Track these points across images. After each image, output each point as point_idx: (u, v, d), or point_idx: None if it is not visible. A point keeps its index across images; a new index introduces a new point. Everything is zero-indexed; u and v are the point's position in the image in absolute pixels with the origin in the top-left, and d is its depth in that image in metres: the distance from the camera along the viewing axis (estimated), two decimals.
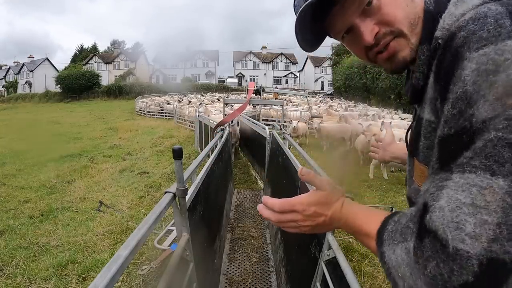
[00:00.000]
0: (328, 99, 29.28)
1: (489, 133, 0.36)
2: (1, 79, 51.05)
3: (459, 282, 0.35)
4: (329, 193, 0.59)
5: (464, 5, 0.47)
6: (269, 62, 50.72)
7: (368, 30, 0.55)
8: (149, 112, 19.59)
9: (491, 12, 0.41)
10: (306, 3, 0.55)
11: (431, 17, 0.52)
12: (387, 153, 1.01)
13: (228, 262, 2.78)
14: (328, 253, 1.11)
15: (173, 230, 2.95)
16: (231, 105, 12.36)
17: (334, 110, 14.83)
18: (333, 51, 41.88)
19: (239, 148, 8.29)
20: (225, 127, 5.22)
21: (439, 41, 0.48)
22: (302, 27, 0.59)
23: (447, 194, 0.38)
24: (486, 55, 0.38)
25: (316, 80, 50.08)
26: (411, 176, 0.63)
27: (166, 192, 1.10)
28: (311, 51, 0.67)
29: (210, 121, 7.14)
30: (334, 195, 0.59)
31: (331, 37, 0.64)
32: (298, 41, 0.62)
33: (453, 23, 0.47)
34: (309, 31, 0.61)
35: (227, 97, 18.92)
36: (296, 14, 0.58)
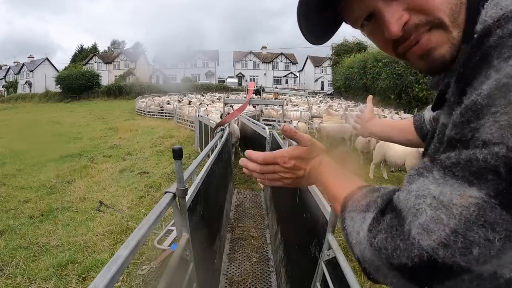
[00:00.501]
0: (328, 99, 29.30)
1: (483, 154, 0.31)
2: (1, 79, 51.06)
3: (398, 262, 0.34)
4: (309, 149, 0.60)
5: None
6: (269, 62, 50.71)
7: (395, 18, 0.42)
8: (149, 112, 19.59)
9: None
10: None
11: (475, 6, 0.39)
12: (365, 129, 1.01)
13: (228, 262, 2.78)
14: (328, 253, 1.11)
15: (173, 230, 2.95)
16: (230, 105, 12.36)
17: (334, 110, 14.84)
18: (333, 51, 41.86)
19: (239, 148, 8.29)
20: (225, 127, 5.22)
21: (482, 32, 0.36)
22: (307, 15, 0.48)
23: (421, 182, 0.36)
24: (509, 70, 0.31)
25: (316, 80, 50.07)
26: None
27: (166, 192, 1.10)
28: (319, 44, 0.54)
29: (210, 121, 7.14)
30: (314, 151, 0.61)
31: (347, 23, 0.51)
32: (302, 33, 0.51)
33: (497, 16, 0.36)
34: (316, 19, 0.49)
35: (227, 97, 18.93)
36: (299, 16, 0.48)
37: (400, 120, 1.10)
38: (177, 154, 1.08)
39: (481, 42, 0.35)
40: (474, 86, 0.34)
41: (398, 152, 5.45)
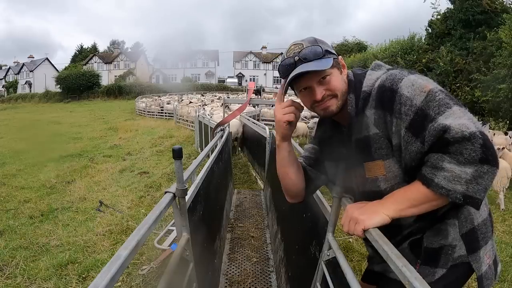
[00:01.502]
0: None
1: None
2: (1, 79, 51.04)
3: (478, 157, 0.70)
4: None
5: (375, 74, 0.93)
6: (269, 62, 50.66)
7: (320, 92, 0.93)
8: (149, 112, 19.58)
9: (394, 71, 0.89)
10: (290, 77, 0.92)
11: (353, 83, 0.97)
12: None
13: (228, 262, 2.78)
14: (328, 253, 1.11)
15: (173, 230, 2.95)
16: (227, 105, 12.34)
17: None
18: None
19: (239, 148, 8.29)
20: (225, 127, 5.21)
21: (366, 90, 0.92)
22: (286, 84, 0.97)
23: (450, 117, 0.75)
24: (407, 80, 0.83)
25: None
26: (362, 178, 0.97)
27: (166, 192, 1.10)
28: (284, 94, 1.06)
29: (210, 121, 7.14)
30: None
31: (292, 89, 1.02)
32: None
33: (372, 83, 0.91)
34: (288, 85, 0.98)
35: (228, 97, 18.92)
36: (279, 72, 1.00)
37: None
38: (177, 154, 1.08)
39: (384, 89, 0.86)
40: (397, 100, 0.83)
41: None
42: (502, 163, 4.96)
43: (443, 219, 0.90)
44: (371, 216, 0.82)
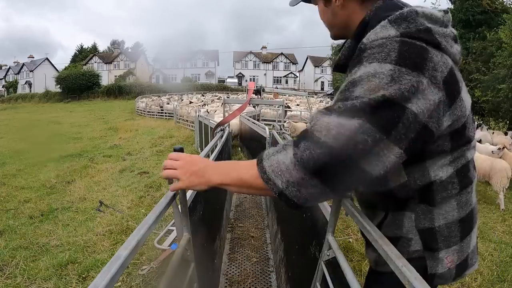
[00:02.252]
0: (328, 99, 29.27)
1: (357, 101, 0.63)
2: (1, 79, 51.05)
3: (318, 164, 0.61)
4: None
5: (385, 31, 0.70)
6: (269, 62, 50.69)
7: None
8: (149, 112, 19.58)
9: (391, 45, 0.67)
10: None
11: (362, 26, 0.79)
12: None
13: (228, 262, 2.78)
14: (328, 253, 1.11)
15: (173, 230, 2.94)
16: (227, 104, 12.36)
17: None
18: (333, 51, 41.85)
19: (239, 148, 8.29)
20: (225, 127, 5.22)
21: (362, 45, 0.72)
22: None
23: (326, 118, 0.64)
24: (371, 67, 0.66)
25: (316, 80, 50.05)
26: None
27: (166, 192, 1.10)
28: (294, 5, 0.96)
29: (210, 121, 7.14)
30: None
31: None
32: None
33: (373, 40, 0.70)
34: None
35: (228, 97, 18.93)
36: None
37: None
38: None
39: (361, 50, 0.71)
40: (353, 71, 0.69)
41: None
42: (501, 163, 4.95)
43: (401, 210, 0.85)
44: (184, 176, 0.84)
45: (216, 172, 0.78)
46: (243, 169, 0.74)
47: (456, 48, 0.74)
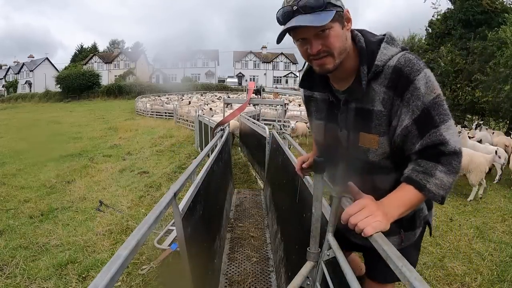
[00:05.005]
0: None
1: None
2: (1, 78, 51.01)
3: (458, 169, 0.88)
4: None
5: (390, 50, 0.92)
6: (269, 62, 50.64)
7: (316, 46, 0.90)
8: (153, 112, 19.49)
9: (411, 56, 0.90)
10: (284, 28, 0.89)
11: (365, 52, 0.93)
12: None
13: (228, 262, 2.78)
14: (328, 253, 1.11)
15: (173, 230, 2.94)
16: (228, 104, 12.34)
17: None
18: None
19: (239, 148, 8.29)
20: (225, 127, 5.22)
21: (379, 64, 0.91)
22: (281, 33, 0.92)
23: (449, 130, 0.87)
24: (424, 75, 0.87)
25: None
26: (354, 143, 1.01)
27: (166, 192, 1.10)
28: (279, 43, 0.97)
29: (210, 121, 7.14)
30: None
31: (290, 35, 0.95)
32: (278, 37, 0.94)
33: (386, 59, 0.91)
34: (282, 34, 0.93)
35: (228, 97, 18.92)
36: (277, 18, 0.93)
37: None
38: (320, 168, 1.03)
39: (400, 74, 0.88)
40: (409, 89, 0.88)
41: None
42: (480, 158, 5.14)
43: None
44: (383, 219, 0.80)
45: (395, 213, 0.87)
46: (408, 201, 0.88)
47: None
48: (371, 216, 0.78)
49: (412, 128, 0.88)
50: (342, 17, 0.89)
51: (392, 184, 0.99)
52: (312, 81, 1.09)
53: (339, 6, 0.88)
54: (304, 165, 1.29)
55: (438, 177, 0.85)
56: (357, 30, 0.97)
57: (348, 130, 1.01)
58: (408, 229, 1.13)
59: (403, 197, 0.87)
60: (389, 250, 0.70)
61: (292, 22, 0.86)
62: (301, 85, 1.13)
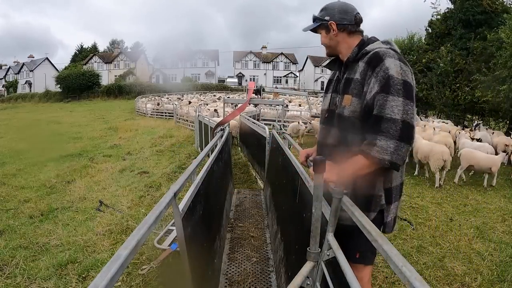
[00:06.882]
0: None
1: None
2: (1, 78, 51.00)
3: (398, 135, 1.14)
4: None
5: (380, 45, 1.32)
6: (269, 62, 50.62)
7: (321, 40, 1.46)
8: (157, 113, 19.41)
9: (392, 52, 1.25)
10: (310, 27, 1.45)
11: (363, 43, 1.36)
12: None
13: (228, 262, 2.78)
14: (328, 253, 1.11)
15: (173, 230, 2.94)
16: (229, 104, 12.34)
17: None
18: None
19: (239, 148, 8.29)
20: (225, 127, 5.21)
21: (368, 49, 1.30)
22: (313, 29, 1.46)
23: (393, 102, 1.16)
24: (394, 60, 1.21)
25: (316, 80, 49.99)
26: (340, 103, 1.37)
27: (166, 192, 1.10)
28: (306, 30, 1.47)
29: (210, 121, 7.14)
30: None
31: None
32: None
33: (373, 48, 1.29)
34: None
35: (228, 97, 18.92)
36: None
37: None
38: (320, 167, 1.10)
39: (376, 55, 1.26)
40: (379, 67, 1.23)
41: (484, 158, 5.97)
42: (439, 148, 5.81)
43: (374, 175, 1.25)
44: (333, 174, 1.17)
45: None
46: (359, 165, 1.19)
47: None
48: (328, 172, 1.13)
49: (375, 86, 1.21)
50: (326, 26, 1.38)
51: (358, 142, 1.24)
52: (334, 63, 1.52)
53: (325, 20, 1.37)
54: (310, 159, 1.59)
55: (378, 145, 1.13)
56: (371, 36, 1.39)
57: (340, 94, 1.38)
58: (362, 208, 1.19)
59: (354, 161, 1.19)
60: (389, 250, 0.70)
61: (306, 26, 1.46)
62: (327, 66, 1.57)
